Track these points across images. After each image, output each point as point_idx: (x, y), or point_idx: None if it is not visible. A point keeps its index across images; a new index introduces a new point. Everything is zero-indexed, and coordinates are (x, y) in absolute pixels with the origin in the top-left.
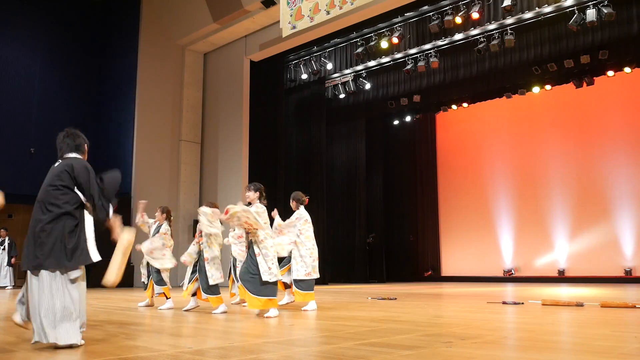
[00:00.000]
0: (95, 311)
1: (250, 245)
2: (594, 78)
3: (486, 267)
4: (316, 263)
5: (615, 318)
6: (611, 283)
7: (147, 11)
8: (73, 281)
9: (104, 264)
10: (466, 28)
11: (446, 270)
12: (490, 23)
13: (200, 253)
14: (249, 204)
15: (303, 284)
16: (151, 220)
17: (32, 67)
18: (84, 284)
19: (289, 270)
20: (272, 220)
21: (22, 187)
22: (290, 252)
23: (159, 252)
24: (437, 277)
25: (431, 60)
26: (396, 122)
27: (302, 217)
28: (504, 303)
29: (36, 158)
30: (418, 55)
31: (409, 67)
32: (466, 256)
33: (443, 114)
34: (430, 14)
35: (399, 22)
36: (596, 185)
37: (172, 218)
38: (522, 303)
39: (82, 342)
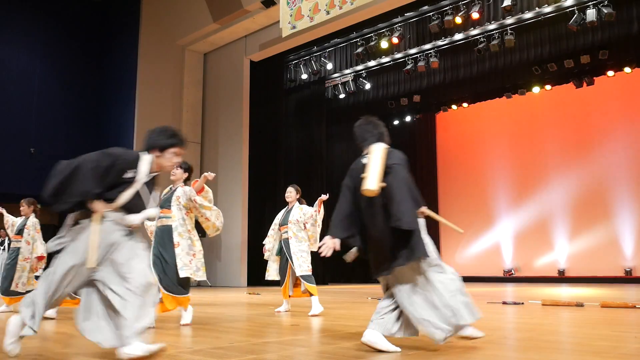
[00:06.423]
0: None
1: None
2: (594, 78)
3: (486, 267)
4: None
5: (615, 318)
6: (611, 283)
7: (147, 11)
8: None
9: None
10: (466, 28)
11: None
12: (490, 23)
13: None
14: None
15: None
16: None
17: (31, 67)
18: None
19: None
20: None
21: (22, 187)
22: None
23: None
24: None
25: (431, 60)
26: (396, 122)
27: None
28: (504, 303)
29: (36, 158)
30: (418, 55)
31: (409, 67)
32: (466, 256)
33: (443, 114)
34: (430, 14)
35: (399, 22)
36: (596, 185)
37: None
38: (522, 303)
39: None
